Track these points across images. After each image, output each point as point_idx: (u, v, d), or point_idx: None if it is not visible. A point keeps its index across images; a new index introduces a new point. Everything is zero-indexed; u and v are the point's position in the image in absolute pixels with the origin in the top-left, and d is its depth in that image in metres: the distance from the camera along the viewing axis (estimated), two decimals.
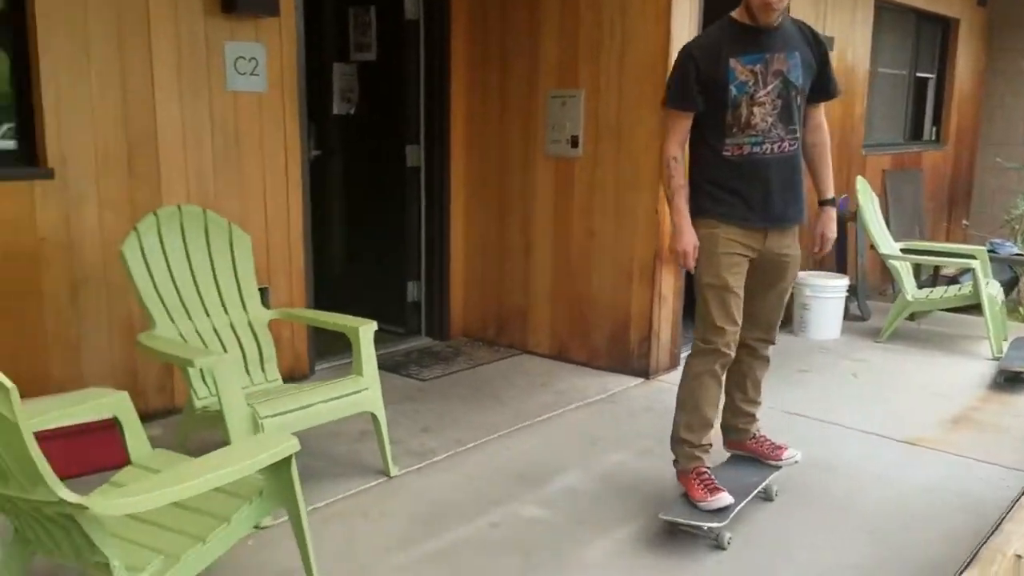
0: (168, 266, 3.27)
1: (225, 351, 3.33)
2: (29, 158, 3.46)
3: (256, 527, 2.84)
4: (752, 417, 3.24)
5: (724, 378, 2.99)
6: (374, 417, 3.33)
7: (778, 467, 3.19)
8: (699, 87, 2.83)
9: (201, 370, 3.07)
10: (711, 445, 2.99)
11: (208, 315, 3.37)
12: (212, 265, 3.42)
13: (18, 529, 2.15)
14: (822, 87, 3.00)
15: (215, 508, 2.26)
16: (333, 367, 4.62)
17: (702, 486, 2.88)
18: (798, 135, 2.90)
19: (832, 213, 3.12)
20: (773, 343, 3.16)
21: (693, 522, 2.80)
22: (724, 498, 2.83)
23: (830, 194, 3.12)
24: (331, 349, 4.67)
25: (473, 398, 4.30)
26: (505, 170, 5.18)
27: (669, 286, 4.77)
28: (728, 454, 3.29)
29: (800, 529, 3.02)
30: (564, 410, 4.22)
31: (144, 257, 3.20)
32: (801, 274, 5.77)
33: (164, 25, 3.79)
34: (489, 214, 5.30)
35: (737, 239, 2.88)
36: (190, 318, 3.30)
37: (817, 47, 2.95)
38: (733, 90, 2.82)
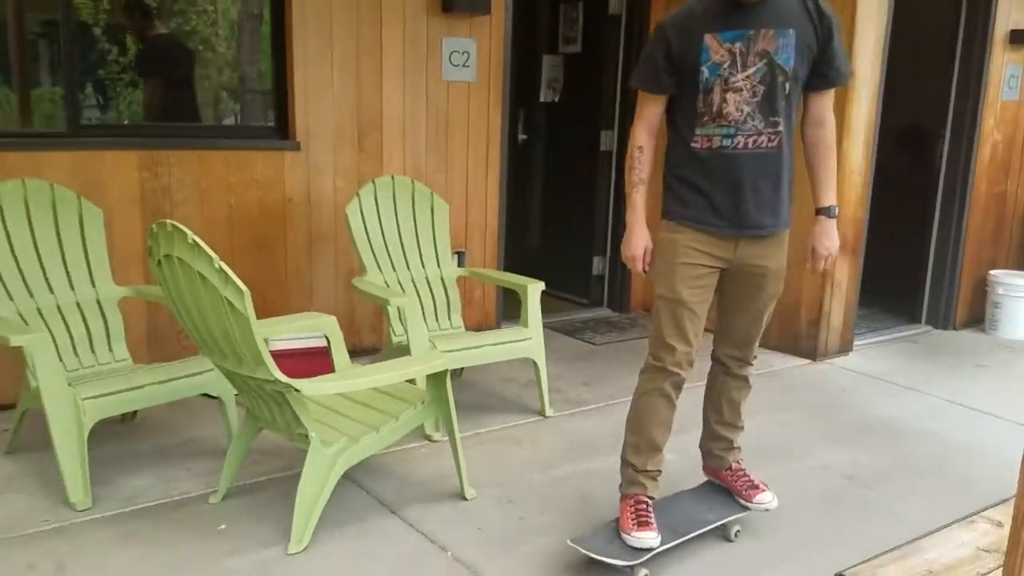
0: (380, 225, 3.99)
1: (419, 298, 4.01)
2: (282, 133, 4.33)
3: (428, 439, 3.49)
4: (729, 443, 2.87)
5: (676, 399, 2.64)
6: (535, 364, 3.87)
7: (746, 509, 2.82)
8: (670, 67, 2.45)
9: (398, 309, 3.75)
10: (659, 472, 2.67)
11: (408, 268, 4.06)
12: (415, 226, 4.11)
13: (250, 408, 2.90)
14: (822, 72, 2.49)
15: (388, 408, 2.90)
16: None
17: (634, 517, 2.56)
18: (781, 129, 2.44)
19: (827, 225, 2.61)
20: (749, 363, 2.78)
21: (598, 556, 2.48)
22: (648, 538, 2.51)
23: (827, 202, 2.60)
24: (518, 313, 5.26)
25: (635, 362, 4.63)
26: None
27: (843, 271, 4.90)
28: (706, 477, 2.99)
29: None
30: None
31: (362, 217, 3.93)
32: (994, 272, 5.61)
33: (393, 24, 4.53)
34: None
35: (700, 247, 2.51)
36: (394, 269, 4.01)
37: (820, 22, 2.44)
38: (705, 72, 2.41)
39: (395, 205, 4.07)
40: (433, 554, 2.69)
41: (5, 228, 3.21)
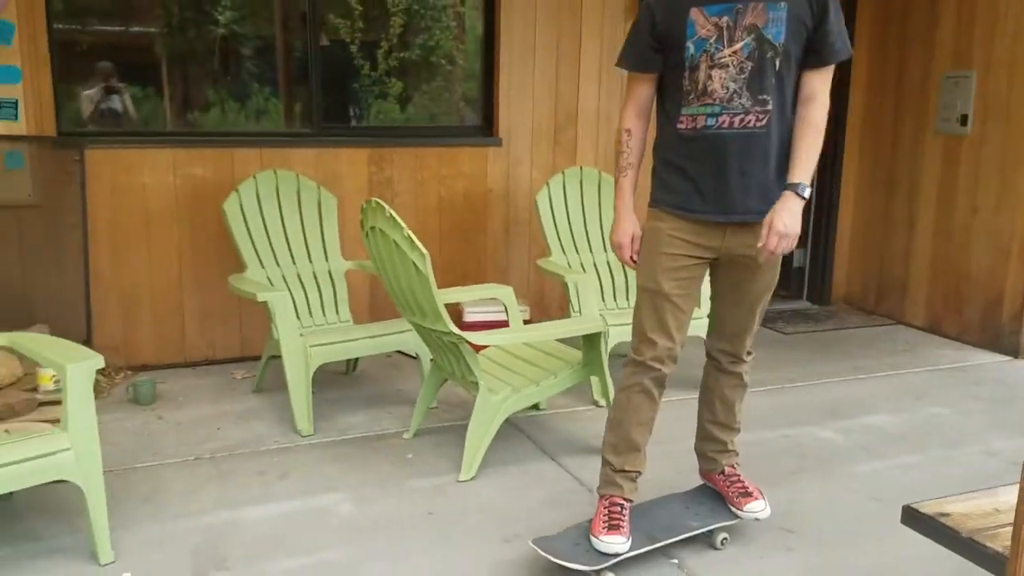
0: (566, 210, 4.41)
1: (599, 277, 4.38)
2: (486, 131, 4.88)
3: (595, 403, 3.86)
4: (723, 446, 2.73)
5: (659, 397, 2.51)
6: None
7: (737, 517, 2.68)
8: (656, 43, 2.35)
9: (574, 284, 4.14)
10: (638, 473, 2.55)
11: (591, 251, 4.44)
12: (600, 212, 4.49)
13: (434, 359, 3.43)
14: (815, 49, 2.31)
15: (548, 366, 3.31)
16: None
17: (606, 519, 2.46)
18: (771, 108, 2.29)
19: (792, 203, 2.28)
20: (743, 360, 2.63)
21: (557, 560, 2.39)
22: (616, 543, 2.41)
23: (796, 178, 2.32)
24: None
25: (822, 352, 4.78)
26: (894, 147, 5.42)
27: None
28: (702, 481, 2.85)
29: None
30: (907, 371, 4.49)
31: (550, 203, 4.37)
32: None
33: (591, 32, 4.94)
34: (876, 188, 5.58)
35: (686, 237, 2.39)
36: (577, 252, 4.41)
37: None
38: (691, 47, 2.30)
39: (581, 193, 4.47)
40: (580, 493, 3.06)
41: (260, 208, 3.98)
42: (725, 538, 2.69)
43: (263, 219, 3.98)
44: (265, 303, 3.51)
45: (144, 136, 4.30)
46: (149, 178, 4.18)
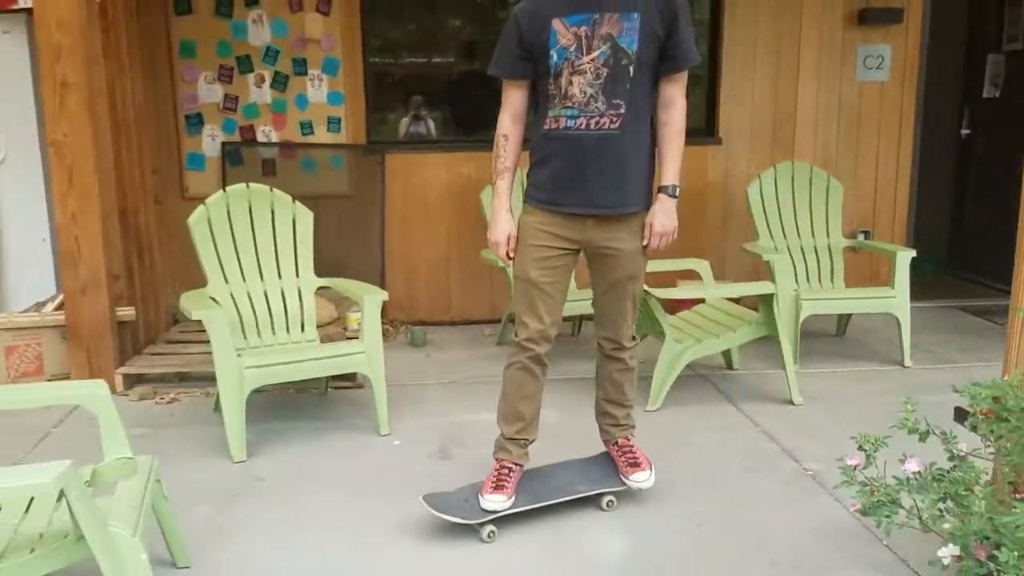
0: (777, 200, 4.93)
1: (805, 262, 4.85)
2: (708, 132, 5.52)
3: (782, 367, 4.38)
4: (615, 420, 2.95)
5: (540, 375, 2.75)
6: (898, 320, 4.44)
7: (624, 485, 2.90)
8: (524, 52, 2.57)
9: (771, 263, 4.67)
10: (527, 440, 2.81)
11: (799, 236, 4.92)
12: (810, 203, 4.96)
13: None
14: (671, 56, 2.55)
15: (729, 324, 3.94)
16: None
17: (494, 480, 2.74)
18: (624, 112, 2.52)
19: (667, 204, 2.63)
20: (624, 347, 2.82)
21: (439, 513, 2.67)
22: (497, 500, 2.68)
23: (667, 180, 2.63)
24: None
25: None
26: None
27: None
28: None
29: None
30: None
31: (761, 194, 4.92)
32: None
33: (811, 37, 5.41)
34: None
35: (552, 230, 2.63)
36: (784, 237, 4.91)
37: (667, 6, 2.52)
38: (554, 56, 2.52)
39: (793, 185, 4.96)
40: (750, 429, 3.65)
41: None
42: (611, 501, 2.93)
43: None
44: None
45: (427, 144, 5.48)
46: (430, 176, 5.34)
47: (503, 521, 2.75)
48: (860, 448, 2.18)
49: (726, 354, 4.36)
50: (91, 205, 4.05)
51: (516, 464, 2.79)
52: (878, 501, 2.08)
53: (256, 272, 3.74)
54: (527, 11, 2.55)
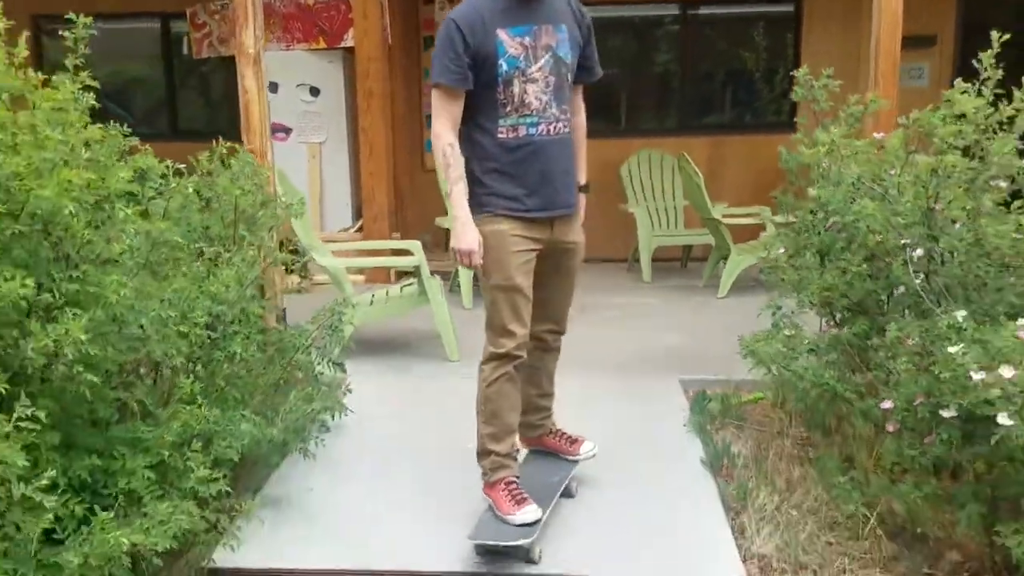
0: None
1: None
2: (790, 126, 7.65)
3: None
4: (548, 411, 3.13)
5: (519, 379, 2.81)
6: None
7: (575, 462, 3.08)
8: (469, 61, 2.58)
9: None
10: (518, 450, 2.90)
11: None
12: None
13: (717, 246, 6.42)
14: (587, 67, 2.87)
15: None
16: None
17: (510, 498, 2.70)
18: (569, 116, 2.76)
19: (583, 200, 2.94)
20: (564, 333, 3.04)
21: (503, 543, 2.60)
22: (532, 510, 2.66)
23: (584, 180, 2.95)
24: None
25: None
26: None
27: None
28: (525, 451, 3.14)
29: None
30: None
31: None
32: None
33: (867, 56, 7.43)
34: None
35: (524, 234, 2.69)
36: None
37: (582, 20, 2.81)
38: (504, 64, 2.59)
39: (650, 166, 7.03)
40: None
41: (637, 173, 7.30)
42: (576, 485, 3.08)
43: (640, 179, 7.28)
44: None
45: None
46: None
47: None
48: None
49: None
50: (381, 168, 6.73)
51: (516, 476, 2.80)
52: None
53: None
54: (467, 20, 2.57)
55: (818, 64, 6.76)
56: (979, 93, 2.81)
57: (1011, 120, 2.77)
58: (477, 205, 2.70)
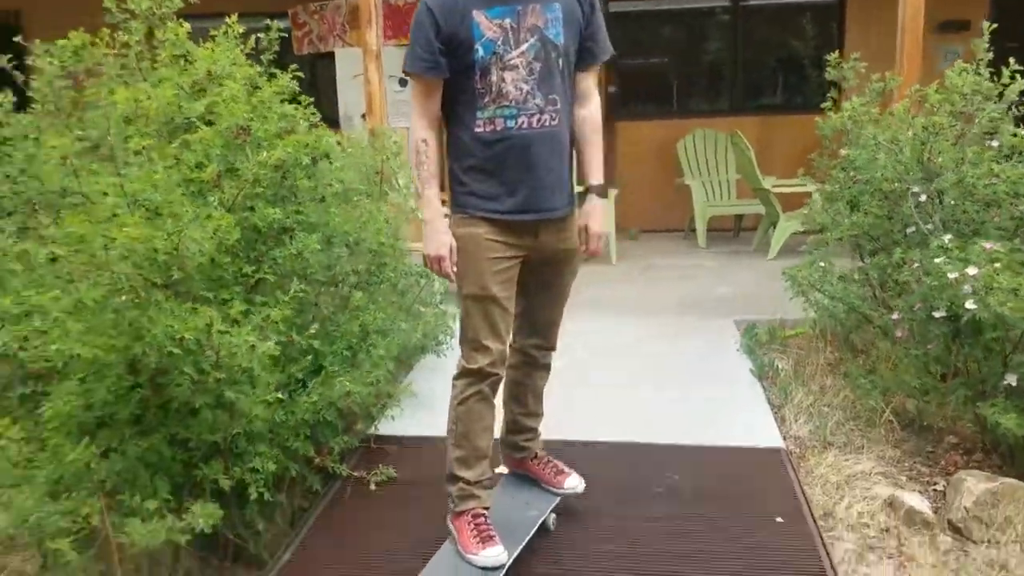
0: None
1: None
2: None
3: None
4: (534, 433, 2.86)
5: (493, 400, 2.55)
6: None
7: (557, 496, 2.80)
8: (443, 47, 2.35)
9: None
10: (490, 479, 2.61)
11: None
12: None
13: (765, 213, 7.14)
14: (589, 48, 2.51)
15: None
16: None
17: (475, 534, 2.46)
18: (559, 107, 2.43)
19: (598, 204, 2.56)
20: (553, 349, 2.76)
21: None
22: (497, 554, 2.42)
23: (597, 179, 2.57)
24: None
25: None
26: None
27: None
28: (502, 472, 2.93)
29: None
30: None
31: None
32: None
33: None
34: None
35: (503, 239, 2.43)
36: None
37: None
38: (480, 50, 2.35)
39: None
40: None
41: (696, 149, 8.06)
42: (555, 519, 2.79)
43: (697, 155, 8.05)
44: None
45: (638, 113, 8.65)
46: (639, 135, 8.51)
47: None
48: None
49: None
50: None
51: (486, 509, 2.54)
52: None
53: None
54: (442, 4, 2.35)
55: (860, 49, 7.56)
56: (977, 73, 3.63)
57: (1000, 95, 3.58)
58: (455, 205, 2.50)
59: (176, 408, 2.46)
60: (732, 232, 8.16)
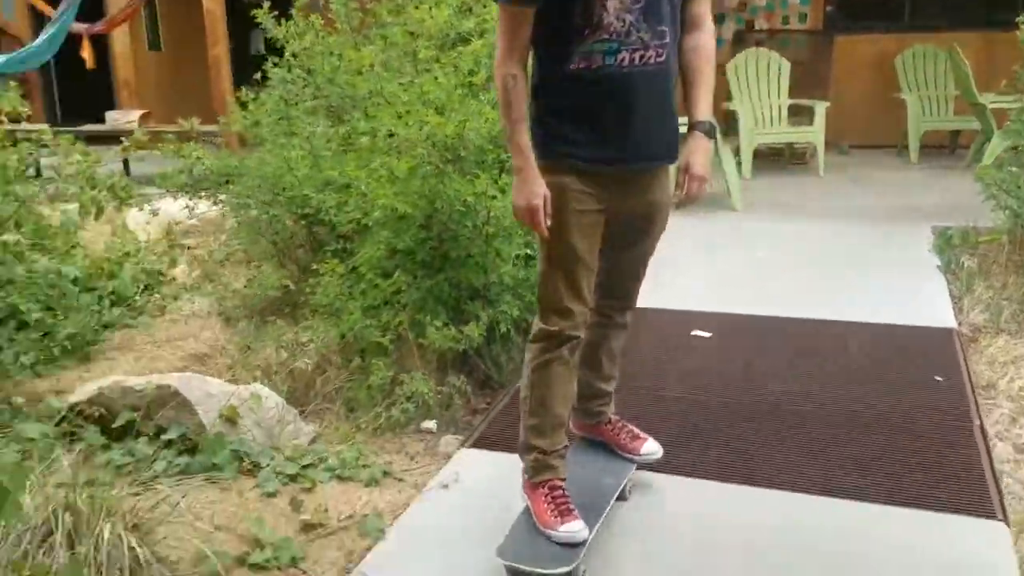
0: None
1: None
2: None
3: None
4: (608, 397, 2.65)
5: (574, 362, 2.35)
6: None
7: (634, 463, 2.62)
8: None
9: None
10: (566, 448, 2.42)
11: None
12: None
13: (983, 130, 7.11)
14: None
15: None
16: None
17: (553, 507, 2.30)
18: (668, 40, 2.14)
19: (704, 143, 2.26)
20: (632, 308, 2.54)
21: (536, 569, 2.19)
22: (578, 528, 2.25)
23: (703, 115, 2.26)
24: None
25: None
26: None
27: None
28: (573, 440, 2.64)
29: None
30: None
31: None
32: None
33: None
34: None
35: (591, 190, 2.21)
36: None
37: None
38: None
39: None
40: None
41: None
42: (632, 486, 2.64)
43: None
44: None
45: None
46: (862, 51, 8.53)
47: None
48: None
49: None
50: None
51: (562, 480, 2.37)
52: None
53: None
54: None
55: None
56: None
57: None
58: (538, 152, 2.19)
59: (455, 257, 3.32)
60: (948, 149, 8.11)
